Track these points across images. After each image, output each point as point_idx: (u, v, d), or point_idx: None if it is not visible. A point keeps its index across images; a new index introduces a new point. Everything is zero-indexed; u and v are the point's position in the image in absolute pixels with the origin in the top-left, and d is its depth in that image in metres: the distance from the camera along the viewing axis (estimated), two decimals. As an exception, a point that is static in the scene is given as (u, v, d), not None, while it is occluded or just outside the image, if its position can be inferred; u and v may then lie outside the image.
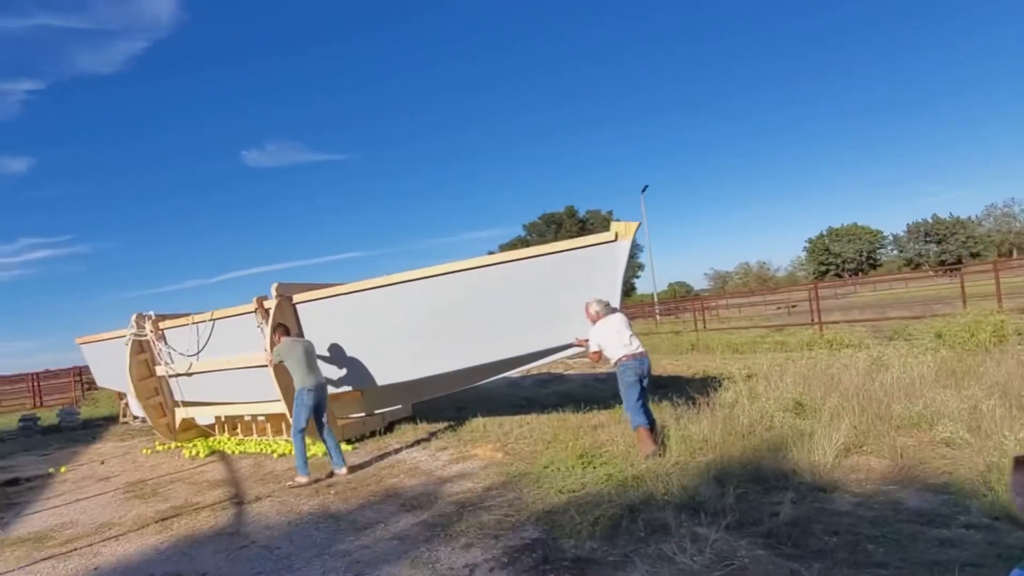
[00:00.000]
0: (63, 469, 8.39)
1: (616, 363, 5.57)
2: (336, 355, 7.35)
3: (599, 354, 5.72)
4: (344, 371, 7.39)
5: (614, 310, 5.82)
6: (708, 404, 6.19)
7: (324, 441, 6.41)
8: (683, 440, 5.33)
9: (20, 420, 13.50)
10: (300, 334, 7.40)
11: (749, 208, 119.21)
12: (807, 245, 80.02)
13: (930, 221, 72.38)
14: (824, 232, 78.21)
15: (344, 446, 7.47)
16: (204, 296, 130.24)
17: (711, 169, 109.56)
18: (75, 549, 4.77)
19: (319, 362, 6.75)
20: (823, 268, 75.65)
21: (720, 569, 3.05)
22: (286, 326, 6.92)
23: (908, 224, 74.83)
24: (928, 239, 72.07)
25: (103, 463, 8.67)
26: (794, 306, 27.74)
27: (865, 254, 74.98)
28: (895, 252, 77.06)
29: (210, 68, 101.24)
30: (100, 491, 6.84)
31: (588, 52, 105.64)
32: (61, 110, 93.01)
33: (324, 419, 6.40)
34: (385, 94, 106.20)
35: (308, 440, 7.06)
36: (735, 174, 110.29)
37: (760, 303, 32.82)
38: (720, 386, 7.59)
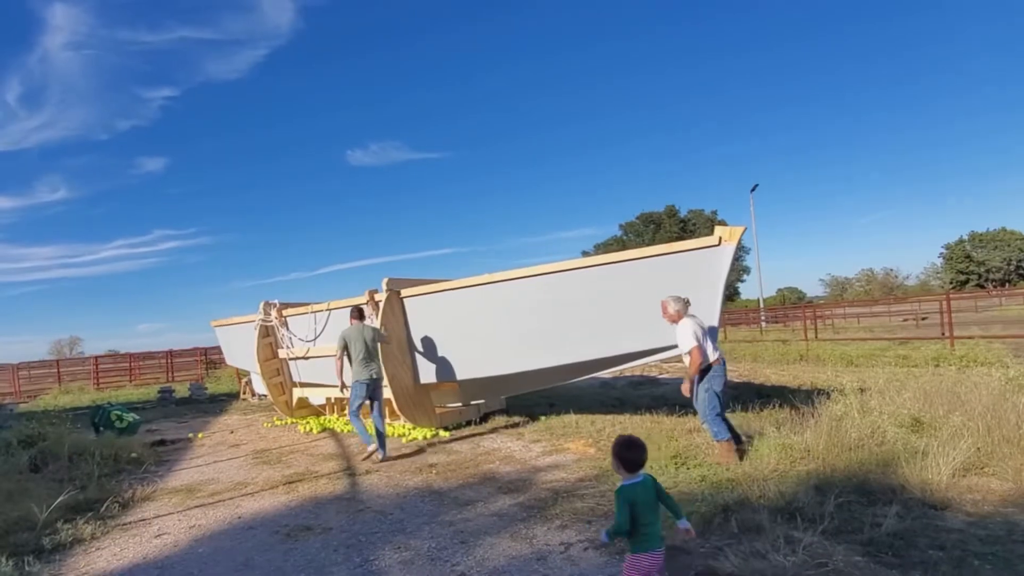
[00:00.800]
0: (200, 435, 9.51)
1: (711, 365, 5.45)
2: (438, 347, 7.78)
3: (701, 349, 5.31)
4: (444, 362, 7.79)
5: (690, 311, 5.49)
6: (813, 415, 5.96)
7: (375, 424, 6.83)
8: (783, 448, 5.20)
9: (159, 392, 15.56)
10: (405, 325, 7.92)
11: (876, 211, 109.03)
12: (944, 251, 72.43)
13: (1097, 227, 63.03)
14: (965, 237, 70.44)
15: (442, 433, 7.93)
16: (305, 287, 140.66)
17: (832, 169, 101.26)
18: (220, 500, 5.52)
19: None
20: (963, 277, 68.13)
21: (813, 569, 3.03)
22: (361, 310, 7.23)
23: (1069, 230, 65.73)
24: (1093, 248, 62.89)
25: (232, 432, 9.73)
26: (924, 318, 25.36)
27: (1014, 263, 66.61)
28: (1051, 262, 67.84)
29: (321, 72, 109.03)
30: (232, 456, 7.75)
31: (699, 46, 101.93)
32: (192, 114, 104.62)
33: (376, 405, 6.91)
34: (481, 92, 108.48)
35: (409, 426, 7.80)
36: (860, 175, 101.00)
37: (883, 313, 30.22)
38: (828, 398, 7.23)
